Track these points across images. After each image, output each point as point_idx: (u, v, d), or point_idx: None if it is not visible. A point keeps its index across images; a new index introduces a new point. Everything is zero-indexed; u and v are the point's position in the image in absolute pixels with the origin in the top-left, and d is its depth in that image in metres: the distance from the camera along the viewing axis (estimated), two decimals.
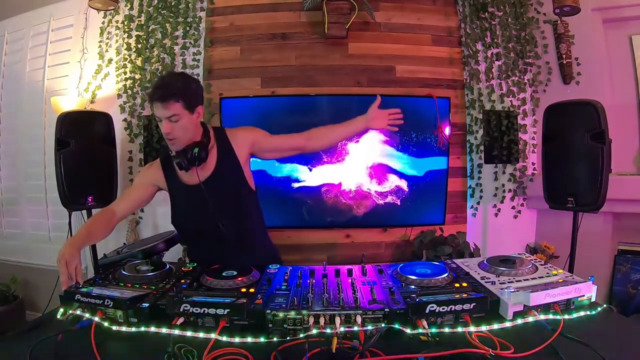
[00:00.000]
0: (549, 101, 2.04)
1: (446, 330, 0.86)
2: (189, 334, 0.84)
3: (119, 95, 2.49)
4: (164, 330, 0.85)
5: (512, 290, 0.92)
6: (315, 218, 2.42)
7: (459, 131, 2.56)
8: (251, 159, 1.52)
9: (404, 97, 2.44)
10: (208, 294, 0.95)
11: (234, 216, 1.44)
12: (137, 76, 2.47)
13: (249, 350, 0.81)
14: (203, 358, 0.78)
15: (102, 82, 2.53)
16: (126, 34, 2.48)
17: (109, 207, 1.42)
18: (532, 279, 1.02)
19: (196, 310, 0.88)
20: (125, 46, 2.47)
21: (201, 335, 0.83)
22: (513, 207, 2.59)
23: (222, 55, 2.50)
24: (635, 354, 0.81)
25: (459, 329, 0.86)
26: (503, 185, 2.57)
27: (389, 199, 2.41)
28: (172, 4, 2.45)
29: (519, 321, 0.88)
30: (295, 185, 2.37)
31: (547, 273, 1.06)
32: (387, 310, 0.87)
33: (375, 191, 2.40)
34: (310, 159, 2.35)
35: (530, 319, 0.88)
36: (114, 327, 0.89)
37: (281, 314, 0.86)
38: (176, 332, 0.84)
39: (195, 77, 1.89)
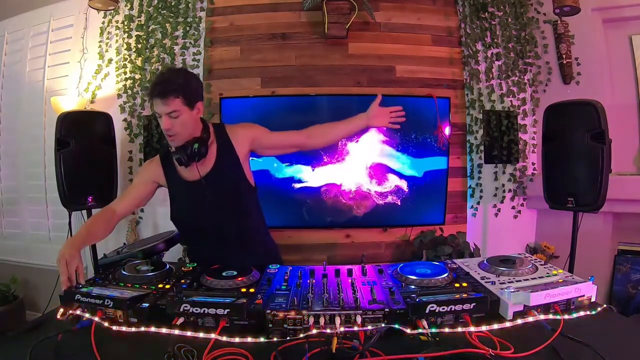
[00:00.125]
0: (549, 101, 2.04)
1: (446, 330, 0.86)
2: (189, 334, 0.84)
3: (119, 95, 2.49)
4: (164, 330, 0.85)
5: (512, 290, 0.92)
6: (315, 218, 2.42)
7: (459, 131, 2.56)
8: (253, 158, 1.52)
9: (404, 97, 2.44)
10: (208, 294, 0.95)
11: (234, 213, 1.44)
12: (137, 76, 2.47)
13: (249, 350, 0.81)
14: (203, 358, 0.78)
15: (102, 82, 2.53)
16: (126, 34, 2.48)
17: (109, 206, 1.42)
18: (532, 279, 1.02)
19: (196, 310, 0.89)
20: (125, 46, 2.47)
21: (201, 335, 0.83)
22: (513, 207, 2.59)
23: (222, 55, 2.50)
24: (635, 354, 0.81)
25: (459, 329, 0.85)
26: (503, 185, 2.57)
27: (389, 199, 2.41)
28: (172, 4, 2.45)
29: (519, 321, 0.88)
30: (297, 185, 2.37)
31: (547, 273, 1.06)
32: (387, 310, 0.87)
33: (375, 191, 2.40)
34: (311, 159, 2.35)
35: (530, 319, 0.88)
36: (114, 327, 0.89)
37: (281, 314, 0.86)
38: (176, 332, 0.84)
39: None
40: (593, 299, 0.98)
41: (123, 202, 1.43)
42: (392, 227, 2.52)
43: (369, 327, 0.85)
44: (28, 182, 2.78)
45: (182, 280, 1.07)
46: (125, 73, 2.47)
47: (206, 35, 2.48)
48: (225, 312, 0.88)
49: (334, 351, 0.78)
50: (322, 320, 0.85)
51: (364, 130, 1.59)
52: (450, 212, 2.51)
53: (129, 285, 1.05)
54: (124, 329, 0.89)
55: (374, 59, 2.51)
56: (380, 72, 2.51)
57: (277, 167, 2.34)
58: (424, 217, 2.46)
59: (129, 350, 0.86)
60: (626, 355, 0.81)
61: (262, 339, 0.83)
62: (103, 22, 2.52)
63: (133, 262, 1.21)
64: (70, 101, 2.40)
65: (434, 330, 0.85)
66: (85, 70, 2.56)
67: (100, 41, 2.52)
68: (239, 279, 1.05)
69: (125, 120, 2.48)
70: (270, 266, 1.19)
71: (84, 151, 2.04)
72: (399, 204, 2.41)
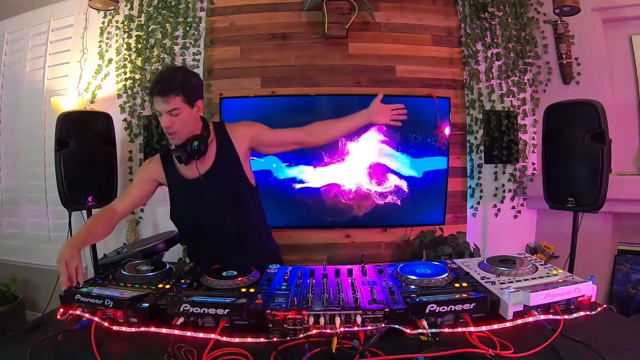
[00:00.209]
0: (549, 101, 2.04)
1: (446, 330, 0.86)
2: (189, 334, 0.84)
3: (119, 95, 2.49)
4: (164, 330, 0.84)
5: (512, 290, 0.92)
6: (315, 218, 2.42)
7: (459, 131, 2.56)
8: (254, 158, 1.52)
9: (404, 97, 2.43)
10: (208, 294, 0.95)
11: (233, 211, 1.43)
12: (137, 76, 2.47)
13: (249, 350, 0.81)
14: (203, 358, 0.78)
15: (102, 82, 2.53)
16: (126, 34, 2.47)
17: (109, 206, 1.42)
18: (532, 279, 1.02)
19: (196, 310, 0.88)
20: (125, 46, 2.47)
21: (201, 335, 0.83)
22: (513, 207, 2.59)
23: (222, 55, 2.50)
24: (635, 354, 0.81)
25: (459, 329, 0.85)
26: (503, 185, 2.57)
27: (389, 199, 2.41)
28: (172, 4, 2.45)
29: (519, 321, 0.88)
30: (297, 186, 2.37)
31: (547, 273, 1.06)
32: (387, 310, 0.87)
33: (375, 191, 2.40)
34: (311, 159, 2.35)
35: (530, 319, 0.88)
36: (114, 327, 0.89)
37: (281, 314, 0.86)
38: (176, 332, 0.84)
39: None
40: (593, 299, 0.98)
41: (123, 201, 1.43)
42: (392, 227, 2.52)
43: (369, 327, 0.85)
44: (28, 182, 2.78)
45: (182, 280, 1.07)
46: (125, 73, 2.47)
47: (206, 35, 2.48)
48: (225, 312, 0.88)
49: (334, 351, 0.78)
50: (322, 320, 0.85)
51: (366, 128, 1.59)
52: (450, 212, 2.51)
53: (129, 285, 1.05)
54: (124, 329, 0.89)
55: (374, 59, 2.51)
56: (380, 72, 2.51)
57: (277, 167, 2.34)
58: (424, 217, 2.46)
59: (129, 350, 0.86)
60: (626, 355, 0.81)
61: (262, 339, 0.83)
62: (103, 22, 2.51)
63: (133, 262, 1.21)
64: (70, 101, 2.40)
65: (434, 330, 0.85)
66: (85, 70, 2.56)
67: (100, 41, 2.52)
68: (239, 279, 1.05)
69: (125, 120, 2.48)
70: (270, 266, 1.19)
71: (84, 151, 2.04)
72: (399, 204, 2.41)
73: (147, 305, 0.93)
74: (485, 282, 1.02)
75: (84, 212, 2.15)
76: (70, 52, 2.62)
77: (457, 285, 1.00)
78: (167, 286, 1.05)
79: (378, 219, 2.45)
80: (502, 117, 2.51)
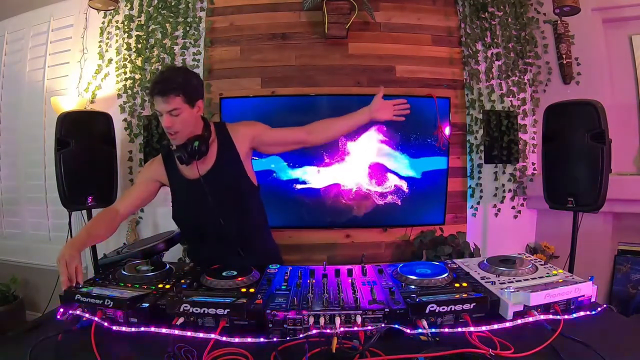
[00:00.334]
0: (549, 101, 2.04)
1: (446, 330, 0.86)
2: (189, 334, 0.84)
3: (119, 95, 2.49)
4: (164, 330, 0.84)
5: (512, 290, 0.92)
6: (315, 218, 2.42)
7: (459, 131, 2.56)
8: (256, 158, 1.52)
9: (404, 97, 2.41)
10: (208, 294, 0.95)
11: (234, 211, 1.43)
12: (137, 76, 2.47)
13: (249, 350, 0.81)
14: (203, 358, 0.78)
15: (102, 82, 2.53)
16: (126, 34, 2.47)
17: (111, 207, 1.42)
18: (532, 279, 1.02)
19: (196, 310, 0.88)
20: (125, 46, 2.47)
21: (201, 335, 0.83)
22: (513, 207, 2.59)
23: (222, 55, 2.50)
24: (635, 354, 0.81)
25: (459, 329, 0.85)
26: (503, 185, 2.57)
27: (389, 199, 2.41)
28: (172, 4, 2.45)
29: (519, 321, 0.88)
30: (297, 186, 2.37)
31: (547, 273, 1.06)
32: (387, 310, 0.87)
33: (375, 191, 2.40)
34: (311, 159, 2.35)
35: (530, 319, 0.88)
36: (114, 327, 0.89)
37: (281, 314, 0.86)
38: (176, 332, 0.84)
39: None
40: (593, 299, 0.98)
41: (125, 202, 1.43)
42: (392, 227, 2.52)
43: (369, 327, 0.85)
44: (28, 182, 2.78)
45: (182, 280, 1.07)
46: (125, 73, 2.47)
47: (206, 35, 2.48)
48: (225, 312, 0.88)
49: (334, 351, 0.78)
50: (322, 320, 0.85)
51: (366, 127, 1.57)
52: (450, 212, 2.51)
53: (129, 285, 1.05)
54: (124, 329, 0.89)
55: (374, 59, 2.51)
56: (380, 72, 2.51)
57: (280, 168, 2.34)
58: (424, 217, 2.46)
59: (129, 350, 0.86)
60: (626, 355, 0.81)
61: (262, 339, 0.83)
62: (103, 22, 2.51)
63: (133, 262, 1.21)
64: (70, 101, 2.40)
65: (434, 330, 0.85)
66: (85, 70, 2.56)
67: (100, 41, 2.52)
68: (239, 279, 1.05)
69: (125, 120, 2.48)
70: (270, 266, 1.19)
71: (84, 151, 2.04)
72: (399, 204, 2.41)
73: (147, 305, 0.93)
74: (485, 282, 1.02)
75: (84, 212, 2.15)
76: (70, 52, 2.62)
77: (457, 285, 1.00)
78: (167, 286, 1.05)
79: (378, 219, 2.45)
80: (502, 117, 2.51)
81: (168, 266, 1.17)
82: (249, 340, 0.83)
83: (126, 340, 0.88)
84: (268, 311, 0.87)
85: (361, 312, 0.86)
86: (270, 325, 0.87)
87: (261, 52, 2.49)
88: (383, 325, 0.85)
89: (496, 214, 2.59)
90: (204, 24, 2.48)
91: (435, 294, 0.92)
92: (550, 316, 0.90)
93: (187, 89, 1.29)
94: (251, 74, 2.49)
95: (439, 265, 1.12)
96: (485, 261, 1.15)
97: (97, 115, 2.23)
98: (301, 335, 0.84)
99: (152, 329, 0.86)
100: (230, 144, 1.44)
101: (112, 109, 2.41)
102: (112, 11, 2.49)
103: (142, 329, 0.88)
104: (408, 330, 0.84)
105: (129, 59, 2.47)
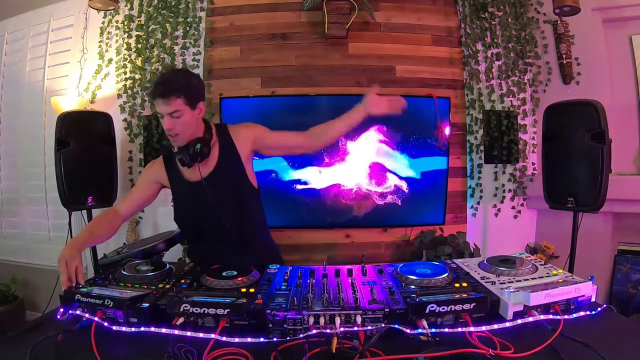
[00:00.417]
0: (549, 101, 2.04)
1: (446, 330, 0.86)
2: (189, 334, 0.84)
3: (119, 95, 2.49)
4: (164, 330, 0.85)
5: (512, 290, 0.92)
6: (315, 218, 2.42)
7: (459, 131, 2.56)
8: (257, 158, 1.52)
9: (404, 97, 2.42)
10: (208, 294, 0.95)
11: (235, 213, 1.44)
12: (137, 76, 2.47)
13: (249, 350, 0.81)
14: (203, 358, 0.78)
15: (102, 82, 2.53)
16: (126, 34, 2.47)
17: (112, 208, 1.43)
18: (532, 279, 1.02)
19: (196, 310, 0.88)
20: (125, 46, 2.47)
21: (201, 335, 0.83)
22: (513, 207, 2.59)
23: (222, 55, 2.50)
24: (635, 354, 0.81)
25: (459, 329, 0.85)
26: (503, 185, 2.57)
27: (389, 199, 2.41)
28: (172, 4, 2.45)
29: (519, 321, 0.88)
30: (298, 187, 2.37)
31: (547, 273, 1.06)
32: (387, 310, 0.87)
33: (375, 191, 2.40)
34: (311, 159, 2.35)
35: (530, 319, 0.88)
36: (114, 327, 0.89)
37: (281, 314, 0.86)
38: (176, 332, 0.84)
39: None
40: (593, 299, 0.98)
41: (126, 203, 1.43)
42: (392, 227, 2.52)
43: (369, 327, 0.85)
44: (28, 182, 2.78)
45: (182, 280, 1.07)
46: (125, 73, 2.47)
47: (206, 35, 2.48)
48: (225, 312, 0.88)
49: (334, 351, 0.78)
50: (322, 321, 0.85)
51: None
52: (450, 212, 2.51)
53: (129, 285, 1.05)
54: (124, 329, 0.89)
55: (374, 59, 2.51)
56: (380, 72, 2.51)
57: (282, 168, 2.34)
58: (424, 217, 2.46)
59: (129, 350, 0.86)
60: (626, 355, 0.81)
61: (262, 339, 0.83)
62: (103, 22, 2.51)
63: (133, 262, 1.21)
64: (70, 101, 2.40)
65: (434, 330, 0.85)
66: (85, 70, 2.56)
67: (100, 41, 2.52)
68: (239, 279, 1.05)
69: (125, 120, 2.48)
70: (270, 266, 1.19)
71: (84, 151, 2.04)
72: (399, 204, 2.41)
73: (147, 305, 0.93)
74: (485, 282, 1.02)
75: (84, 212, 2.15)
76: (70, 52, 2.62)
77: (457, 285, 1.00)
78: (167, 286, 1.05)
79: (378, 219, 2.45)
80: (502, 117, 2.51)
81: (168, 266, 1.17)
82: (249, 340, 0.83)
83: (126, 340, 0.88)
84: (268, 311, 0.87)
85: (361, 312, 0.86)
86: (270, 325, 0.87)
87: (261, 52, 2.49)
88: (383, 325, 0.85)
89: (496, 214, 2.59)
90: (204, 24, 2.48)
91: (435, 294, 0.92)
92: (550, 316, 0.90)
93: (189, 90, 1.29)
94: (251, 74, 2.49)
95: (439, 265, 1.12)
96: (485, 261, 1.15)
97: (97, 115, 2.23)
98: (301, 335, 0.84)
99: (152, 329, 0.86)
100: (232, 146, 1.44)
101: (112, 109, 2.41)
102: (112, 11, 2.49)
103: (142, 329, 0.88)
104: (408, 330, 0.84)
105: (129, 59, 2.47)
